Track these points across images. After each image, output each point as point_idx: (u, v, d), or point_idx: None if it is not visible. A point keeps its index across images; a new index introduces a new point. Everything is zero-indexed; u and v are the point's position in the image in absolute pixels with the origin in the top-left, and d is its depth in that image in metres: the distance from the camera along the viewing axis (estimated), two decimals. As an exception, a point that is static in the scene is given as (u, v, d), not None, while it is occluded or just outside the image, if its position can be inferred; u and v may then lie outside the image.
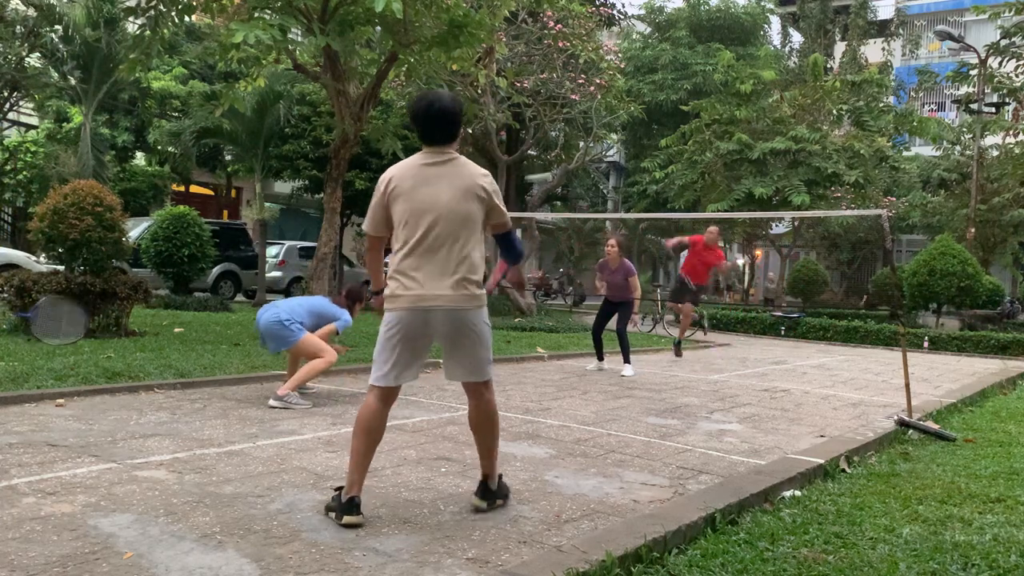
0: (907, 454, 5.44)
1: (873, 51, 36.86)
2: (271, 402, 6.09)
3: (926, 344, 15.72)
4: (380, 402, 3.56)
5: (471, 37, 8.51)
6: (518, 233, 23.44)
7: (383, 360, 3.54)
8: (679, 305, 11.99)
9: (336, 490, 3.57)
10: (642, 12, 33.76)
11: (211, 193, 27.95)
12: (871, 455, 5.34)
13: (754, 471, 4.57)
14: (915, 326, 17.45)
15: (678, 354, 11.91)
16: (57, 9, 17.50)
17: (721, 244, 12.25)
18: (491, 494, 3.74)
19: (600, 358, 9.83)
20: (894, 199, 25.50)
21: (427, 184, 3.50)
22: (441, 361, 3.79)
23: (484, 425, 3.71)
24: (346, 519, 3.39)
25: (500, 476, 3.82)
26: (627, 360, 9.46)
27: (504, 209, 3.66)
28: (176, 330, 10.26)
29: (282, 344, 6.23)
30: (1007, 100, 20.65)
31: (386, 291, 3.59)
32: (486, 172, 3.63)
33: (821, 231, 25.36)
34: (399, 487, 4.02)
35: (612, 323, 9.78)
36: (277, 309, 6.24)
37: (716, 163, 21.79)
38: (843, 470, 4.83)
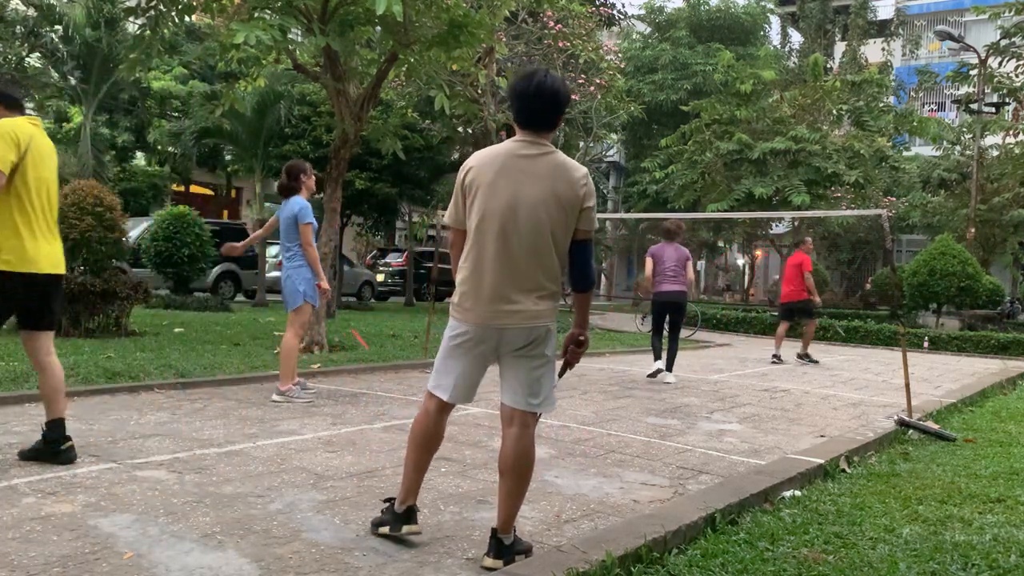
0: (907, 454, 5.44)
1: (873, 51, 36.84)
2: (273, 396, 6.23)
3: (926, 344, 15.71)
4: (438, 412, 3.22)
5: (471, 37, 8.50)
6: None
7: (446, 370, 3.15)
8: (809, 321, 12.03)
9: (385, 501, 3.37)
10: (642, 12, 33.76)
11: (211, 193, 27.95)
12: (871, 455, 5.34)
13: (754, 471, 4.57)
14: (915, 326, 17.44)
15: (811, 360, 11.78)
16: (57, 9, 17.52)
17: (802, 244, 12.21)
18: (506, 550, 3.05)
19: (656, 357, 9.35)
20: (894, 199, 25.49)
21: (514, 178, 3.02)
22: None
23: (518, 466, 3.10)
24: (405, 529, 3.22)
25: (514, 529, 3.13)
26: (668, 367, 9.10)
27: (595, 216, 3.12)
28: (176, 330, 10.26)
29: (290, 304, 6.37)
30: (1007, 100, 20.65)
31: (455, 297, 3.12)
32: (583, 172, 3.10)
33: (821, 231, 25.36)
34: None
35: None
36: (286, 271, 6.41)
37: (716, 163, 21.80)
38: (843, 470, 4.82)
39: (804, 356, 11.91)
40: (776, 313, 19.40)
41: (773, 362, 11.64)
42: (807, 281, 11.51)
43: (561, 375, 3.25)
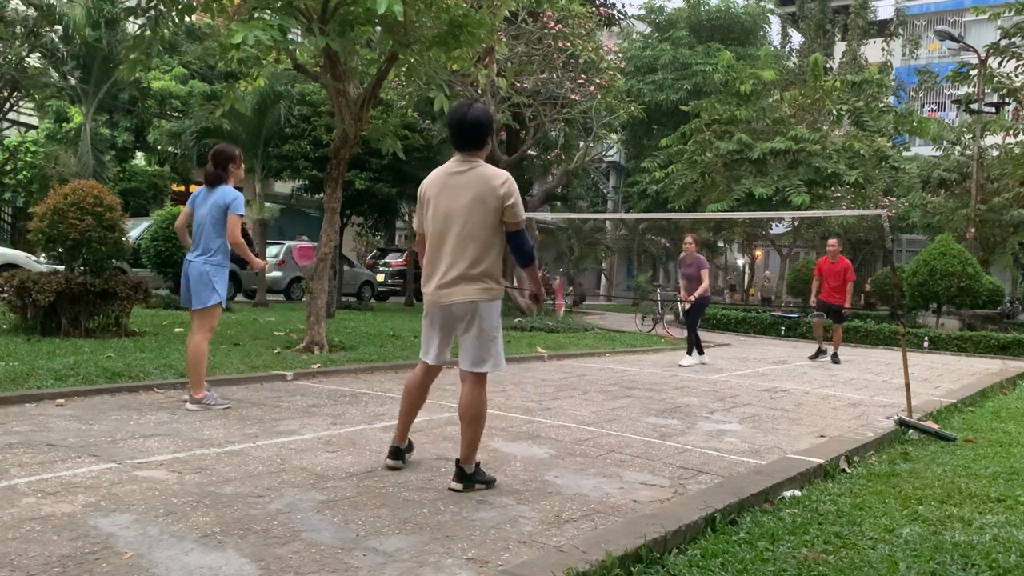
0: (907, 454, 5.44)
1: (873, 51, 36.87)
2: (188, 406, 5.77)
3: (926, 344, 15.71)
4: (421, 372, 4.23)
5: (471, 37, 8.48)
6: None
7: (424, 340, 4.18)
8: (835, 325, 12.42)
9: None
10: (642, 12, 33.76)
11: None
12: (871, 455, 5.34)
13: (754, 471, 4.57)
14: (915, 326, 17.44)
15: (835, 361, 12.23)
16: (57, 9, 17.49)
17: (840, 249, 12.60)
18: (467, 478, 3.99)
19: (700, 352, 11.21)
20: (894, 199, 25.47)
21: (449, 192, 3.98)
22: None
23: (467, 415, 3.99)
24: (386, 462, 4.33)
25: (478, 464, 4.08)
26: (689, 352, 11.09)
27: (519, 211, 3.95)
28: (176, 330, 10.26)
29: (202, 301, 5.82)
30: (1007, 100, 20.63)
31: (421, 284, 4.14)
32: (503, 177, 3.94)
33: (821, 231, 25.36)
34: (399, 487, 4.02)
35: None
36: (204, 264, 5.85)
37: (716, 163, 21.78)
38: (843, 470, 4.83)
39: (834, 355, 12.40)
40: (776, 313, 19.46)
41: (834, 361, 12.17)
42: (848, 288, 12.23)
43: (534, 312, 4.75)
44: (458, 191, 3.95)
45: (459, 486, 3.98)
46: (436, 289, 3.97)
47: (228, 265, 5.98)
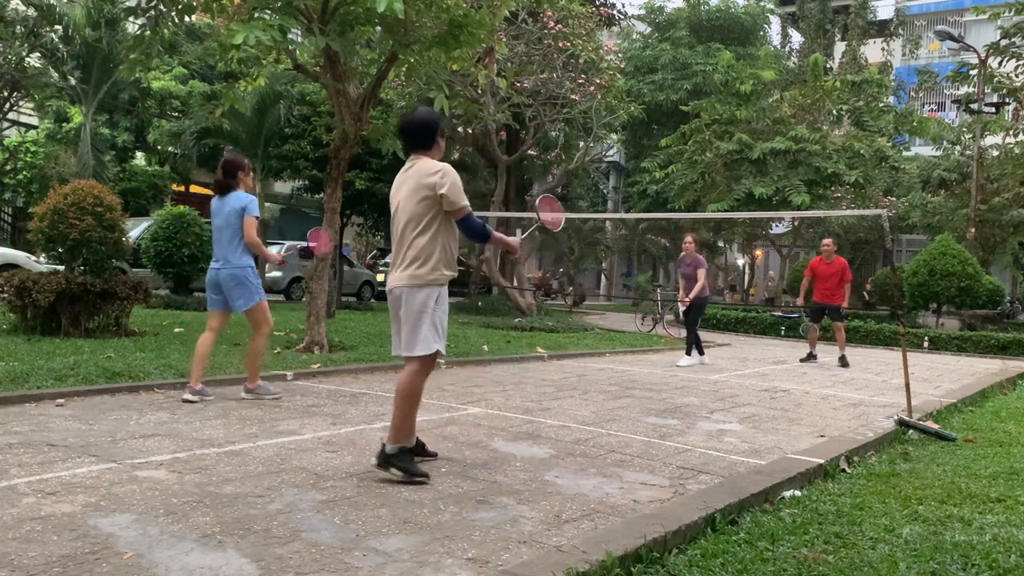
0: (907, 454, 5.44)
1: (873, 51, 36.87)
2: (242, 395, 6.32)
3: (926, 344, 15.71)
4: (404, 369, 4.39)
5: (471, 37, 8.48)
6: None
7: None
8: (836, 324, 12.03)
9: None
10: (642, 12, 33.76)
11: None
12: (871, 455, 5.34)
13: (754, 471, 4.57)
14: (915, 326, 17.44)
15: (843, 364, 11.73)
16: (57, 9, 17.49)
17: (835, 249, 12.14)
18: (385, 458, 4.12)
19: (700, 352, 11.26)
20: (894, 199, 25.46)
21: (399, 188, 4.32)
22: (443, 362, 4.21)
23: (397, 394, 4.19)
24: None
25: (404, 450, 4.16)
26: (688, 353, 11.18)
27: (455, 198, 4.15)
28: (176, 330, 10.26)
29: (247, 303, 6.25)
30: (1007, 100, 20.62)
31: None
32: (437, 168, 4.18)
33: (821, 231, 25.36)
34: (399, 487, 4.02)
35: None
36: (233, 269, 6.20)
37: (716, 163, 21.78)
38: (843, 470, 4.83)
39: (842, 358, 11.98)
40: (776, 313, 19.48)
41: (842, 364, 11.78)
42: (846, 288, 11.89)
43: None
44: (404, 185, 4.26)
45: (374, 461, 4.16)
46: (388, 279, 4.32)
47: (252, 263, 6.31)
